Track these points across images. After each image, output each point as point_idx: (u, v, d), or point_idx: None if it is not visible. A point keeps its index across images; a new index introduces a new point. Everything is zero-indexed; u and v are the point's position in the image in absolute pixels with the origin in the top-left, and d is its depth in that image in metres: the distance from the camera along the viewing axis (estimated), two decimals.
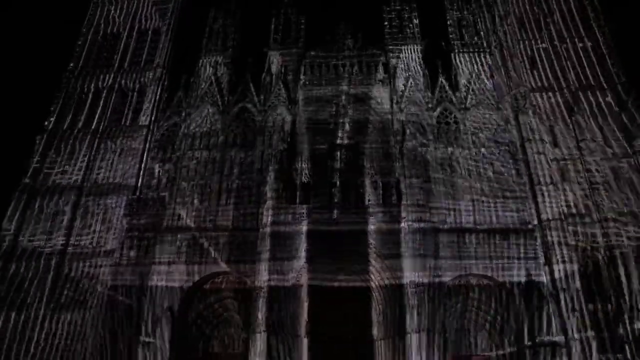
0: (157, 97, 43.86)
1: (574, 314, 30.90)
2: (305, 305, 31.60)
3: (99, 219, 38.04)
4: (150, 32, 47.95)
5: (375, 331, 31.80)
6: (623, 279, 32.96)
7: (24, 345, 33.83)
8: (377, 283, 32.14)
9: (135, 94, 44.22)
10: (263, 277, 31.30)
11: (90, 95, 44.46)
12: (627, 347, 31.64)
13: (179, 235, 33.96)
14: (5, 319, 34.73)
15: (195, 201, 35.42)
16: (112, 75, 45.28)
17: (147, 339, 30.85)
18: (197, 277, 32.86)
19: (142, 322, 31.61)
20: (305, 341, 30.88)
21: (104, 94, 44.33)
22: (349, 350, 31.55)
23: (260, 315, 30.20)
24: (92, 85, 44.94)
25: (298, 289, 31.20)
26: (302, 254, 31.85)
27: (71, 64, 46.17)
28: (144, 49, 47.00)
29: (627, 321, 32.06)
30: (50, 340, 33.92)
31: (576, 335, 30.39)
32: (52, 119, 42.99)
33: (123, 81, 45.03)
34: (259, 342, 29.25)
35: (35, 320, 34.52)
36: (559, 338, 30.05)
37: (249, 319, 31.66)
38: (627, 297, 32.46)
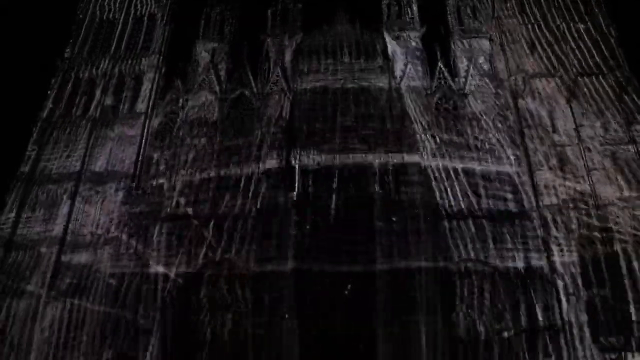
0: (155, 84, 43.57)
1: (572, 299, 31.14)
2: (306, 290, 31.68)
3: (97, 207, 38.06)
4: (146, 18, 47.47)
5: (378, 316, 31.88)
6: (621, 263, 33.17)
7: (26, 332, 34.06)
8: (378, 269, 32.22)
9: (132, 80, 43.90)
10: (262, 263, 31.42)
11: (87, 83, 44.16)
12: (622, 330, 32.05)
13: (178, 223, 33.97)
14: (6, 307, 34.98)
15: (194, 188, 35.38)
16: (108, 62, 44.88)
17: (147, 326, 31.03)
18: (196, 265, 33.00)
19: (142, 309, 31.76)
20: (304, 327, 31.03)
21: (100, 81, 44.00)
22: (350, 335, 31.71)
23: (261, 301, 30.39)
24: (88, 72, 44.58)
25: (298, 274, 31.31)
26: (303, 239, 31.94)
27: (66, 51, 45.78)
28: (140, 36, 46.57)
29: (623, 304, 32.37)
30: (52, 328, 34.16)
31: (573, 320, 30.67)
32: (48, 106, 42.76)
33: (119, 68, 44.67)
34: (260, 328, 29.48)
35: (36, 308, 34.71)
36: (556, 321, 30.31)
37: (248, 305, 31.90)
38: (625, 282, 32.70)
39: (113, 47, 45.92)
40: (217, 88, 39.85)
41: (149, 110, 42.14)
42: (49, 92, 43.50)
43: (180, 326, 31.98)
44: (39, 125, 41.83)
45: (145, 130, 41.14)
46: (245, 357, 30.04)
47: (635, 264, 33.28)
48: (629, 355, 30.58)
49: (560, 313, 30.84)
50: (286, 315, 30.28)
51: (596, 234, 34.61)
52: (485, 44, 41.32)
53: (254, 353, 29.63)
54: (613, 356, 30.83)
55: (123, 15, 47.63)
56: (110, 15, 47.86)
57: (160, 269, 32.73)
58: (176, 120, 39.82)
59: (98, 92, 43.45)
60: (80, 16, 47.68)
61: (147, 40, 46.10)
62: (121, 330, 33.01)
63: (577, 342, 30.28)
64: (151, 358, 30.38)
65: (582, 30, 42.11)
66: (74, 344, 33.50)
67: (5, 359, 33.48)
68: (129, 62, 44.90)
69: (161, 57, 44.98)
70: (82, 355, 33.08)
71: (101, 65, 44.81)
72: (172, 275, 32.59)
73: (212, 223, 34.01)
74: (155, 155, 40.18)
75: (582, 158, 36.71)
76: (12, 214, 38.12)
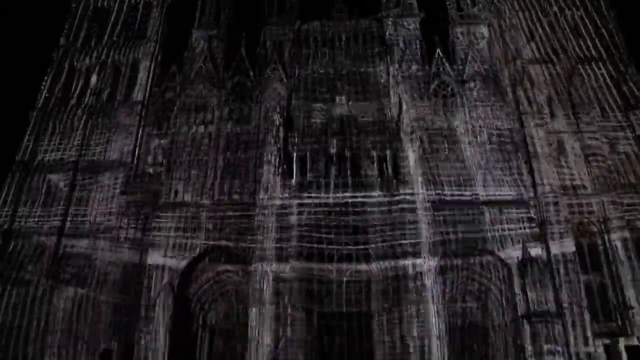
0: (151, 72, 43.20)
1: (569, 285, 31.39)
2: (304, 277, 31.82)
3: (95, 196, 37.97)
4: (141, 5, 46.91)
5: (374, 305, 32.13)
6: (617, 250, 33.41)
7: (26, 321, 34.22)
8: (374, 257, 32.36)
9: (128, 69, 43.53)
10: (261, 251, 31.50)
11: (82, 71, 43.80)
12: (618, 315, 32.44)
13: (176, 211, 33.94)
14: (7, 296, 35.10)
15: (192, 176, 35.28)
16: (103, 50, 44.46)
17: (148, 314, 31.15)
18: (195, 252, 33.03)
19: (142, 297, 31.87)
20: (303, 314, 31.25)
21: (96, 70, 43.64)
22: (349, 323, 31.99)
23: (259, 288, 30.51)
24: (84, 60, 44.19)
25: (296, 262, 31.40)
26: (300, 227, 32.00)
27: (62, 39, 45.32)
28: (136, 23, 46.08)
29: (618, 291, 32.71)
30: (52, 316, 34.30)
31: (570, 305, 30.95)
32: (44, 95, 42.44)
33: (115, 56, 44.26)
34: (258, 315, 29.63)
35: (36, 296, 34.81)
36: (553, 308, 30.56)
37: (247, 292, 32.04)
38: (620, 268, 32.98)
39: (108, 36, 45.45)
40: (214, 76, 39.53)
41: (146, 98, 41.89)
42: (44, 80, 43.13)
43: (180, 314, 32.11)
44: (35, 115, 41.57)
45: (143, 119, 40.93)
46: (247, 344, 30.20)
47: (631, 250, 33.54)
48: (625, 339, 30.96)
49: (557, 299, 31.06)
50: (295, 305, 30.38)
51: (593, 220, 34.79)
52: (484, 30, 41.04)
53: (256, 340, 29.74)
54: (608, 340, 31.20)
55: (118, 2, 47.05)
56: (105, 3, 47.26)
57: (160, 257, 32.71)
58: (173, 108, 39.55)
59: (94, 81, 43.13)
60: (74, 4, 47.08)
61: (142, 28, 45.62)
62: (122, 318, 33.18)
63: (573, 328, 30.56)
64: (151, 347, 30.50)
65: (581, 17, 41.86)
66: (75, 332, 33.69)
67: (6, 347, 33.66)
68: (125, 50, 44.47)
69: (157, 45, 44.55)
70: (84, 343, 33.27)
71: (96, 54, 44.38)
72: (171, 263, 32.60)
73: (211, 211, 33.95)
74: (153, 144, 40.03)
75: (581, 144, 36.74)
76: (10, 204, 38.04)
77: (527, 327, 30.39)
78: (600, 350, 30.52)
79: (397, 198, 32.62)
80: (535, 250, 31.99)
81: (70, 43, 45.27)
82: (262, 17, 42.55)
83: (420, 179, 33.20)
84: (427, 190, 33.24)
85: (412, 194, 32.73)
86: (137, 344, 30.61)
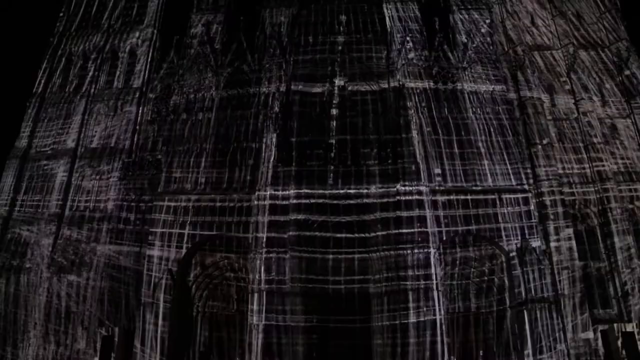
0: (149, 58, 42.91)
1: (566, 272, 31.54)
2: (303, 265, 31.93)
3: (94, 183, 38.01)
4: None
5: (372, 289, 32.32)
6: (615, 237, 33.54)
7: (27, 309, 34.50)
8: (373, 243, 32.41)
9: (126, 55, 43.21)
10: (260, 238, 31.53)
11: (80, 57, 43.49)
12: (615, 303, 32.70)
13: (176, 198, 33.91)
14: (6, 283, 35.34)
15: (191, 164, 35.17)
16: (101, 36, 44.06)
17: (147, 300, 31.35)
18: (195, 240, 33.07)
19: (142, 284, 32.03)
20: (302, 299, 31.41)
21: (93, 56, 43.30)
22: (347, 307, 32.18)
23: (258, 275, 30.61)
24: (81, 46, 43.86)
25: (295, 250, 31.46)
26: (299, 214, 31.98)
27: (58, 25, 44.88)
28: (134, 8, 45.58)
29: (617, 277, 32.93)
30: (52, 303, 34.57)
31: (567, 292, 31.15)
32: (41, 82, 42.21)
33: (113, 42, 43.89)
34: (257, 301, 29.80)
35: (36, 284, 35.05)
36: (551, 295, 30.71)
37: (246, 280, 32.19)
38: (618, 255, 33.15)
39: (105, 21, 45.01)
40: (212, 62, 39.12)
41: (145, 84, 41.65)
42: (40, 67, 42.86)
43: (180, 301, 32.31)
44: (32, 101, 41.41)
45: (141, 106, 40.74)
46: (246, 330, 30.44)
47: (629, 237, 33.68)
48: (622, 325, 31.22)
49: (556, 286, 31.23)
50: (294, 291, 30.49)
51: (592, 207, 34.87)
52: (485, 15, 40.47)
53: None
54: (605, 327, 31.47)
55: None
56: None
57: (159, 244, 32.78)
58: (172, 94, 39.30)
59: (91, 68, 42.84)
60: None
61: (140, 13, 45.16)
62: (121, 305, 33.44)
63: (571, 314, 30.81)
64: (151, 333, 30.75)
65: (583, 2, 41.41)
66: (75, 319, 34.00)
67: (6, 334, 33.99)
68: (123, 35, 44.09)
69: (155, 30, 44.14)
70: (84, 330, 33.59)
71: (94, 40, 44.01)
72: (170, 250, 32.68)
73: (209, 199, 33.93)
74: (152, 130, 39.91)
75: (581, 132, 36.66)
76: (9, 191, 38.11)
77: (525, 314, 30.56)
78: (597, 336, 30.84)
79: (398, 186, 32.48)
80: (534, 236, 32.01)
81: (68, 29, 44.90)
82: (261, 1, 41.93)
83: (421, 166, 33.03)
84: (428, 178, 33.13)
85: (413, 182, 32.56)
86: (137, 331, 30.82)
